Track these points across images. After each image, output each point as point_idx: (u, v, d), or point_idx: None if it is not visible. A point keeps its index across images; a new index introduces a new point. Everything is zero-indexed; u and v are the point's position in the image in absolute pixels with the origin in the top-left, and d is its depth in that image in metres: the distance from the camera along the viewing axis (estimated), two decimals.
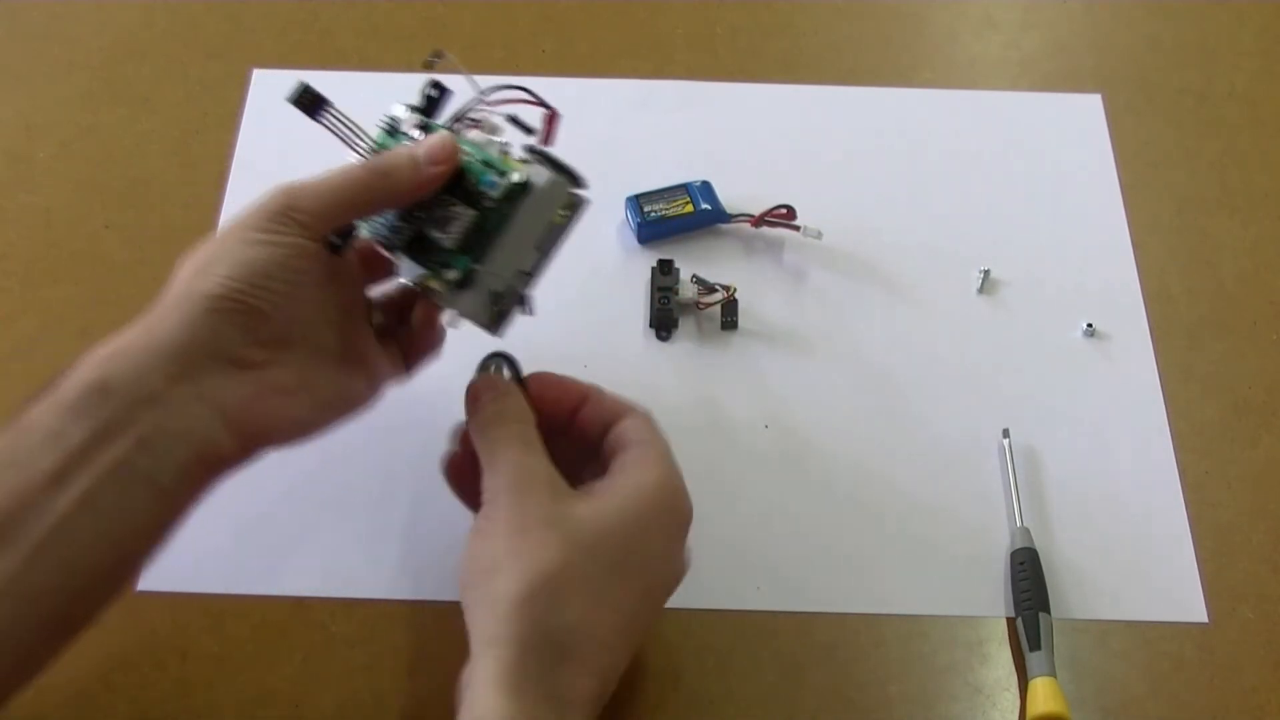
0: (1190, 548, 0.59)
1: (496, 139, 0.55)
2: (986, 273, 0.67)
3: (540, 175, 0.53)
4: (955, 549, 0.59)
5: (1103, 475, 0.61)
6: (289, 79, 0.75)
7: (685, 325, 0.65)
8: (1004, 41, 0.79)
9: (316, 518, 0.59)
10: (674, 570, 0.50)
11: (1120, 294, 0.67)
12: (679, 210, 0.68)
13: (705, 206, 0.68)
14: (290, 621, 0.56)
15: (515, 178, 0.52)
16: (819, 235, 0.67)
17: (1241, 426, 0.63)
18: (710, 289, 0.65)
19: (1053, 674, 0.55)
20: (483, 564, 0.47)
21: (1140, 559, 0.59)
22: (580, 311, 0.65)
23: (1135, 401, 0.64)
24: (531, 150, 0.54)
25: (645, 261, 0.67)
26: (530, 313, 0.54)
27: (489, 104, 0.56)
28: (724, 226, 0.69)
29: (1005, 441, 0.61)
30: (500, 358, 0.55)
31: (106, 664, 0.54)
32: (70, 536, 0.44)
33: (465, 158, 0.53)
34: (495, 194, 0.52)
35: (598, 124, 0.73)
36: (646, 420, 0.52)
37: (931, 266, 0.68)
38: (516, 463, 0.49)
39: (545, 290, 0.67)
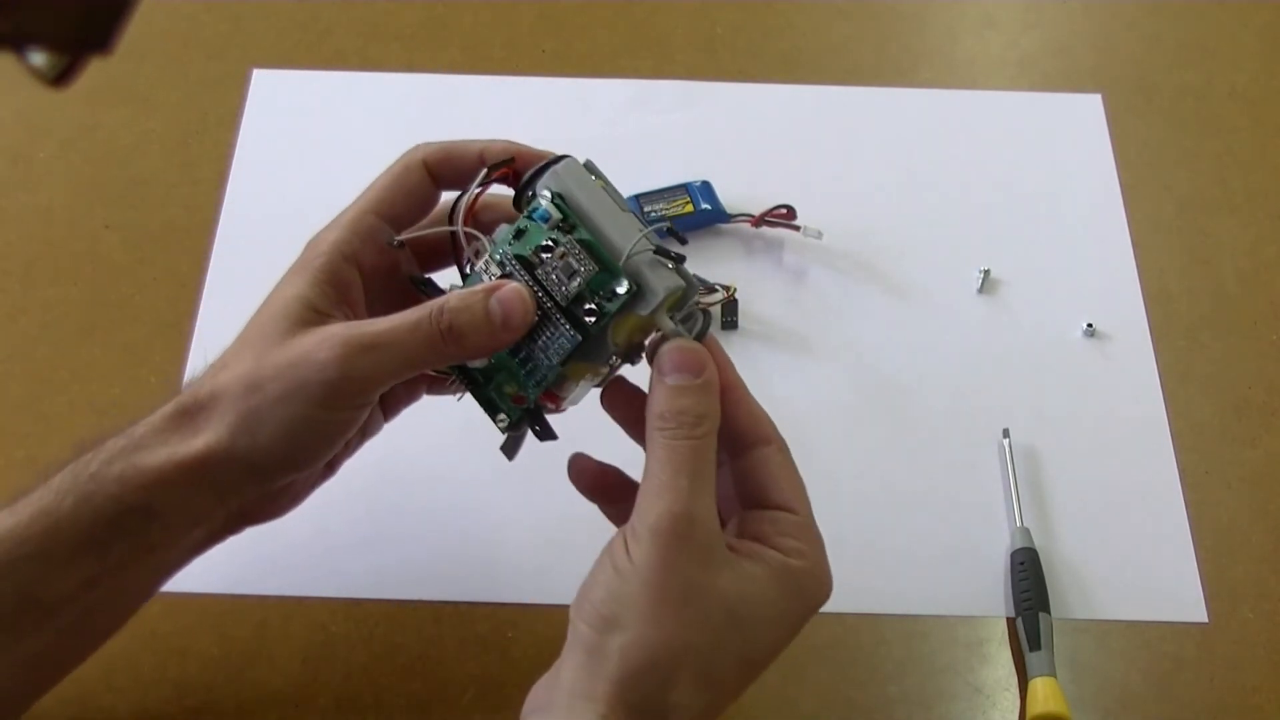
0: (1190, 548, 0.59)
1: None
2: (986, 273, 0.67)
3: (666, 280, 0.46)
4: (955, 549, 0.59)
5: (1103, 475, 0.61)
6: (289, 79, 0.76)
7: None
8: (1004, 41, 0.79)
9: (317, 518, 0.59)
10: (778, 654, 0.45)
11: (1120, 294, 0.67)
12: (679, 210, 0.68)
13: (705, 206, 0.68)
14: (290, 621, 0.56)
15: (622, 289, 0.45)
16: (819, 235, 0.67)
17: (1241, 426, 0.63)
18: (710, 289, 0.65)
19: (1053, 674, 0.55)
20: (608, 606, 0.43)
21: (1140, 559, 0.59)
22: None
23: (1135, 401, 0.64)
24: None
25: None
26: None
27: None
28: (724, 226, 0.69)
29: (1005, 441, 0.61)
30: (692, 288, 0.47)
31: (106, 664, 0.54)
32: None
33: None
34: (613, 309, 0.45)
35: (598, 124, 0.73)
36: (790, 460, 0.46)
37: (931, 266, 0.68)
38: (684, 504, 0.43)
39: None
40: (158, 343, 0.64)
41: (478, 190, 0.48)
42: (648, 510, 0.43)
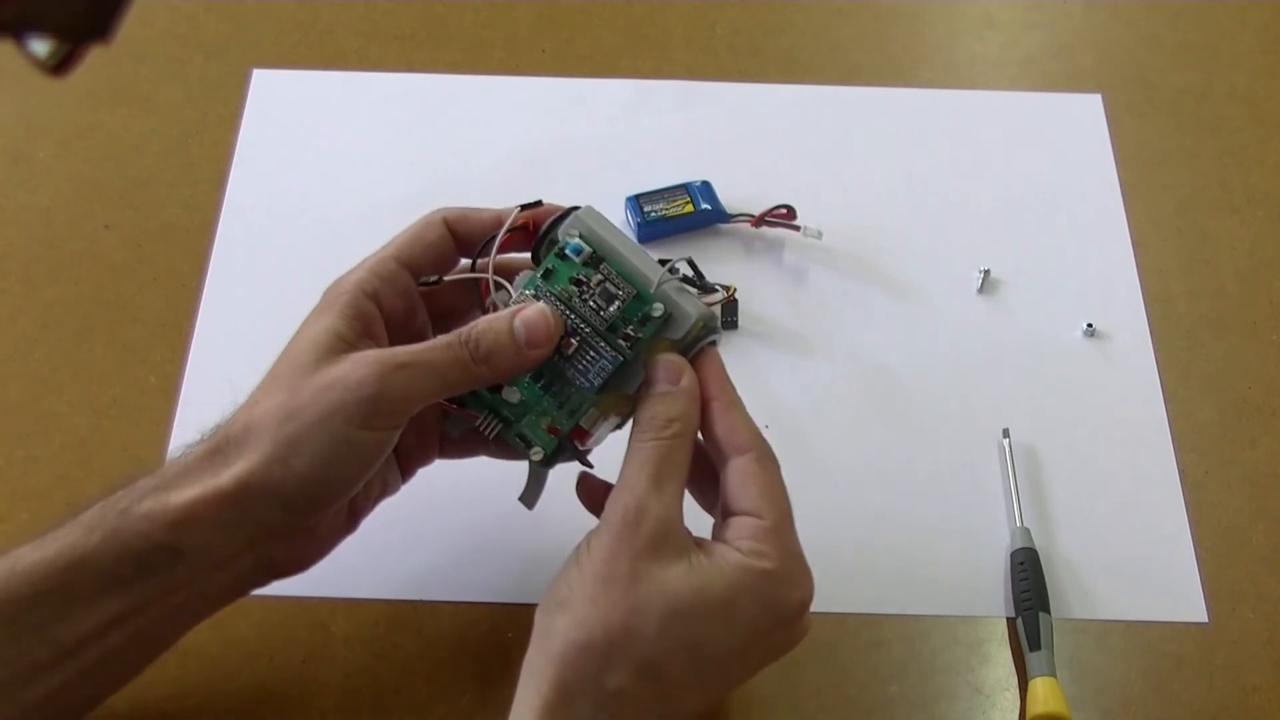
0: (1190, 548, 0.59)
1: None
2: (986, 272, 0.67)
3: (692, 308, 0.48)
4: (955, 549, 0.59)
5: (1103, 475, 0.61)
6: (289, 79, 0.76)
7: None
8: (1004, 41, 0.79)
9: None
10: (747, 666, 0.47)
11: (1120, 294, 0.67)
12: (679, 210, 0.68)
13: (705, 206, 0.68)
14: (290, 621, 0.56)
15: (657, 311, 0.48)
16: (819, 235, 0.67)
17: (1241, 426, 0.63)
18: (710, 289, 0.65)
19: (1053, 674, 0.55)
20: (560, 591, 0.45)
21: (1140, 559, 0.59)
22: None
23: (1135, 401, 0.64)
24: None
25: None
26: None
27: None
28: (724, 226, 0.69)
29: (1005, 441, 0.61)
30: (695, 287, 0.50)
31: None
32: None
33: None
34: (649, 333, 0.48)
35: (598, 124, 0.73)
36: (767, 469, 0.47)
37: (931, 266, 0.68)
38: (638, 496, 0.45)
39: None
40: (158, 343, 0.64)
41: (506, 234, 0.50)
42: (609, 505, 0.45)
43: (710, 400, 0.48)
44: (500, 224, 0.51)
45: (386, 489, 0.53)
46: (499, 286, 0.50)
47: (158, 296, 0.66)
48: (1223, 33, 0.79)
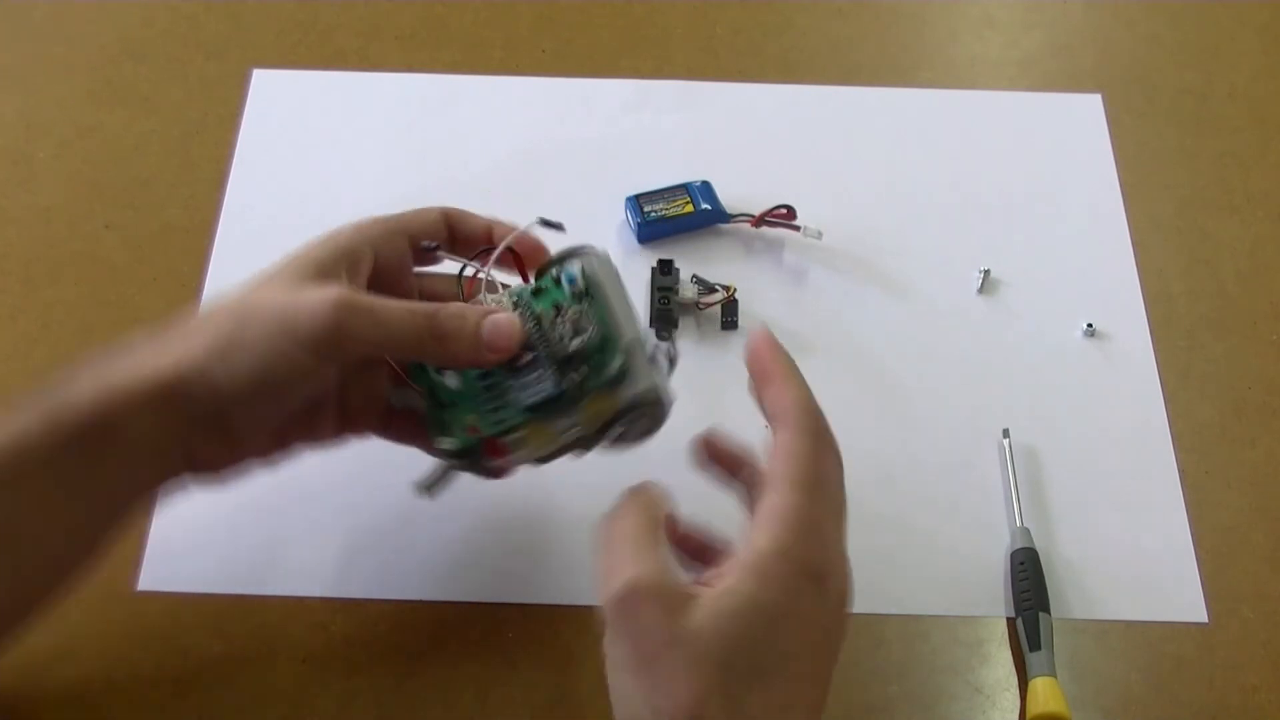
0: (1190, 548, 0.59)
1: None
2: (986, 273, 0.67)
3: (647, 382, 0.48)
4: (955, 549, 0.59)
5: (1103, 475, 0.61)
6: (289, 79, 0.76)
7: (685, 325, 0.65)
8: (1004, 41, 0.79)
9: (316, 518, 0.59)
10: (829, 646, 0.44)
11: (1120, 294, 0.67)
12: (679, 210, 0.68)
13: (705, 206, 0.68)
14: (290, 621, 0.56)
15: (643, 388, 0.48)
16: (819, 235, 0.67)
17: (1241, 426, 0.63)
18: (710, 289, 0.65)
19: (1053, 674, 0.55)
20: (627, 706, 0.42)
21: (1140, 559, 0.59)
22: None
23: (1135, 401, 0.64)
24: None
25: (645, 261, 0.67)
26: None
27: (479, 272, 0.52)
28: (724, 226, 0.69)
29: (1005, 441, 0.61)
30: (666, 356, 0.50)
31: (106, 664, 0.54)
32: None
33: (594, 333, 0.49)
34: (597, 382, 0.48)
35: (598, 124, 0.73)
36: (796, 441, 0.45)
37: (931, 266, 0.68)
38: (627, 578, 0.42)
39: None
40: None
41: (511, 242, 0.52)
42: (603, 593, 0.42)
43: (763, 376, 0.47)
44: (489, 233, 0.53)
45: (315, 432, 0.52)
46: (491, 288, 0.50)
47: (158, 296, 0.66)
48: (1223, 33, 0.79)
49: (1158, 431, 0.63)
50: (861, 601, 0.57)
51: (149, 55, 0.76)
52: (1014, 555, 0.58)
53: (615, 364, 0.48)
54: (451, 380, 0.50)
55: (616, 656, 0.42)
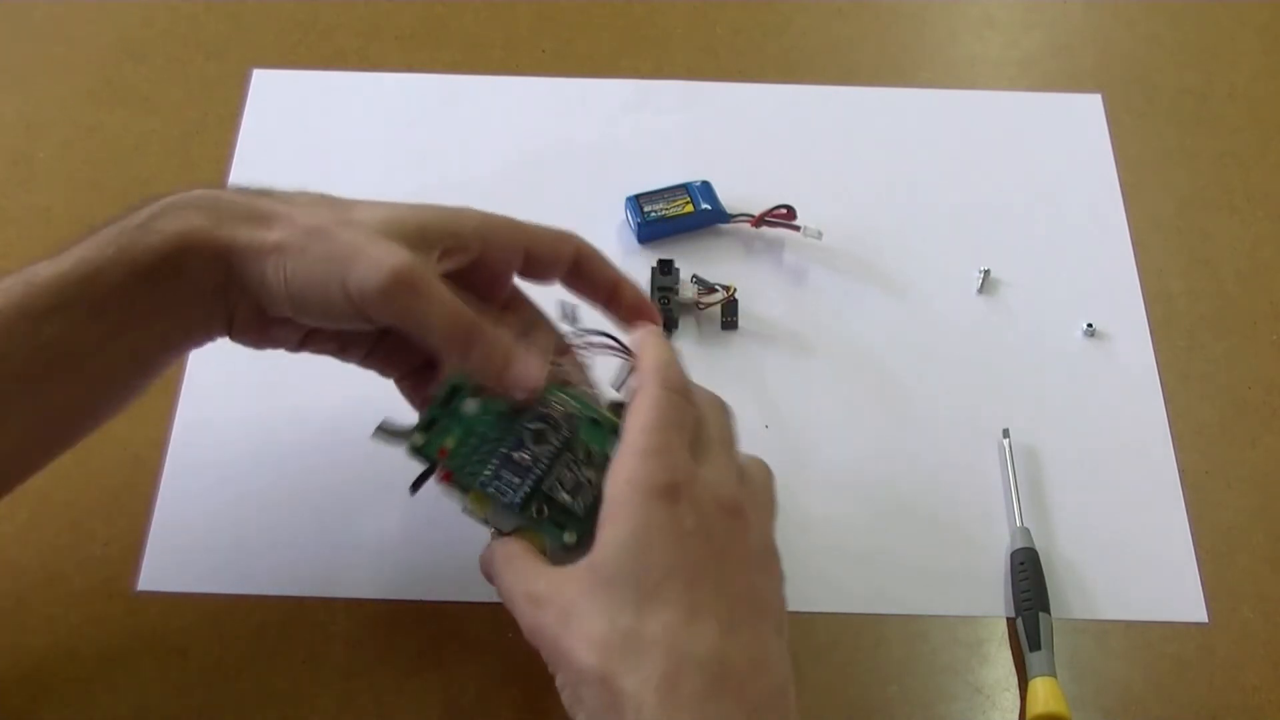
0: (1190, 548, 0.59)
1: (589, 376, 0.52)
2: (987, 273, 0.67)
3: None
4: (955, 549, 0.59)
5: (1103, 475, 0.61)
6: (289, 79, 0.76)
7: (685, 325, 0.65)
8: (1004, 41, 0.79)
9: (316, 518, 0.59)
10: (714, 547, 0.45)
11: (1120, 294, 0.67)
12: (679, 210, 0.68)
13: (705, 206, 0.68)
14: (290, 621, 0.56)
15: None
16: (819, 235, 0.67)
17: (1241, 426, 0.63)
18: (710, 289, 0.65)
19: (1053, 674, 0.55)
20: (573, 713, 0.46)
21: (1140, 559, 0.59)
22: (580, 311, 0.65)
23: (1135, 401, 0.64)
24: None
25: (645, 261, 0.67)
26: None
27: (573, 347, 0.53)
28: (724, 226, 0.69)
29: (1005, 441, 0.61)
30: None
31: (106, 664, 0.54)
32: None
33: (579, 413, 0.49)
34: (539, 529, 0.49)
35: (598, 124, 0.73)
36: (639, 396, 0.47)
37: (931, 266, 0.68)
38: (521, 598, 0.47)
39: (545, 289, 0.67)
40: None
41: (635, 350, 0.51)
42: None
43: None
44: (614, 287, 0.53)
45: (343, 352, 0.54)
46: (567, 380, 0.51)
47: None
48: (1223, 33, 0.79)
49: (1158, 431, 0.63)
50: (861, 601, 0.57)
51: (149, 55, 0.76)
52: (1014, 555, 0.58)
53: (563, 538, 0.48)
54: (471, 405, 0.50)
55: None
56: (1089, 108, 0.75)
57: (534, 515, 0.49)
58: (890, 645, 0.56)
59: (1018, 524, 0.59)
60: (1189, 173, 0.72)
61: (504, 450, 0.49)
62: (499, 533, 0.50)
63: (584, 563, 0.45)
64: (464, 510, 0.50)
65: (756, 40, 0.78)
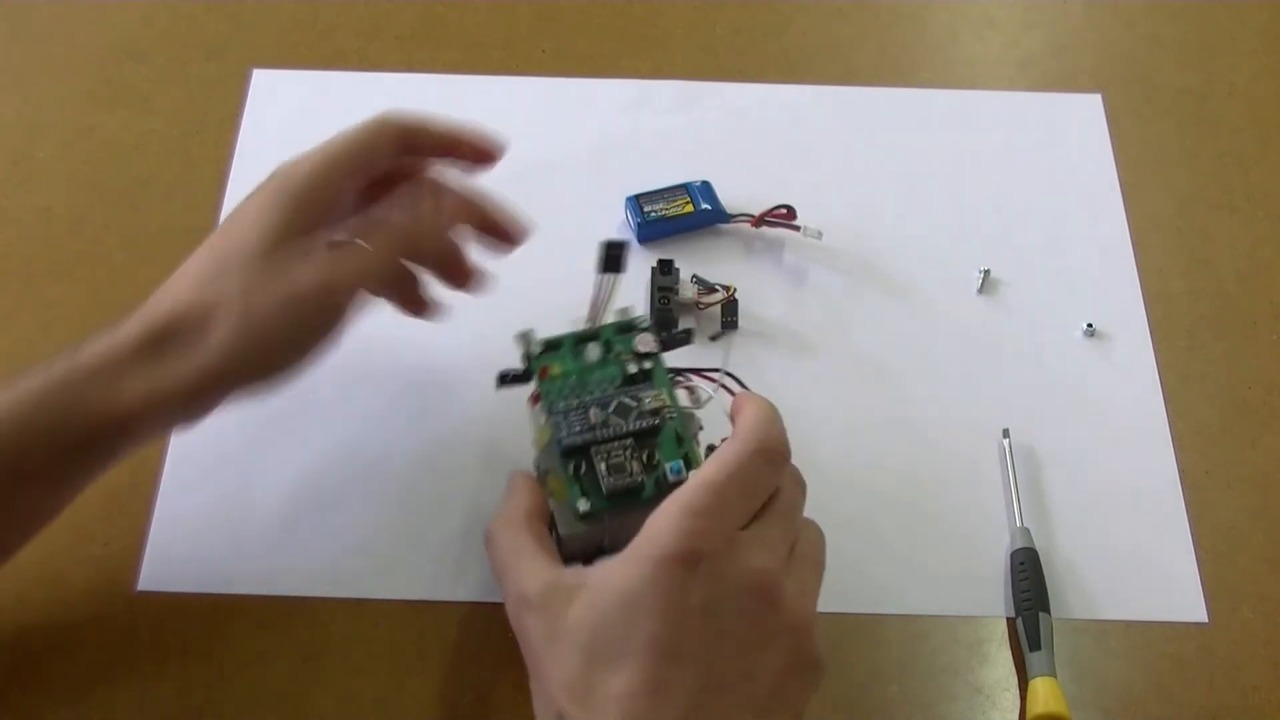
0: (1190, 548, 0.59)
1: (697, 411, 0.54)
2: (986, 273, 0.67)
3: None
4: (955, 549, 0.59)
5: (1103, 475, 0.61)
6: (289, 79, 0.76)
7: (685, 325, 0.65)
8: (1004, 41, 0.79)
9: (316, 518, 0.59)
10: (712, 630, 0.43)
11: (1120, 294, 0.67)
12: (679, 210, 0.68)
13: (705, 206, 0.68)
14: (290, 621, 0.56)
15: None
16: (819, 235, 0.67)
17: (1241, 426, 0.63)
18: (710, 289, 0.65)
19: (1053, 674, 0.55)
20: (537, 709, 0.46)
21: (1140, 559, 0.59)
22: (581, 310, 0.65)
23: (1135, 401, 0.64)
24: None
25: (645, 261, 0.67)
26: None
27: (705, 375, 0.54)
28: (724, 226, 0.69)
29: (1005, 441, 0.61)
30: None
31: (106, 664, 0.54)
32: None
33: (669, 419, 0.52)
34: (666, 483, 0.50)
35: (598, 124, 0.73)
36: (721, 449, 0.47)
37: (932, 266, 0.68)
38: (514, 594, 0.47)
39: (547, 289, 0.67)
40: None
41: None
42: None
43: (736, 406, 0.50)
44: (452, 143, 0.55)
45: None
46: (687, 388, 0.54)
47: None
48: (1223, 33, 0.79)
49: (1158, 431, 0.63)
50: (861, 601, 0.57)
51: (149, 55, 0.76)
52: (1014, 555, 0.58)
53: (578, 504, 0.49)
54: (594, 351, 0.53)
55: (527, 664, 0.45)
56: (1089, 108, 0.75)
57: (570, 469, 0.50)
58: (890, 645, 0.56)
59: (1018, 524, 0.59)
60: (1189, 173, 0.72)
61: (588, 400, 0.51)
62: (537, 469, 0.52)
63: (584, 587, 0.44)
64: (533, 441, 0.52)
65: (756, 40, 0.78)
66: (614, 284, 0.53)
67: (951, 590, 0.58)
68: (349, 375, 0.57)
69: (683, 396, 0.54)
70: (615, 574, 0.43)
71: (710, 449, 0.52)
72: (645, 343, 0.54)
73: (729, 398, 0.53)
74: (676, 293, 0.65)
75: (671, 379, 0.54)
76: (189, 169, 0.71)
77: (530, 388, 0.53)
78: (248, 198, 0.52)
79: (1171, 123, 0.75)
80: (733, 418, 0.49)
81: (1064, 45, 0.79)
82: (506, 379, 0.54)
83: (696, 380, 0.55)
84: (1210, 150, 0.73)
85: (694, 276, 0.66)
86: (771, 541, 0.45)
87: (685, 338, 0.56)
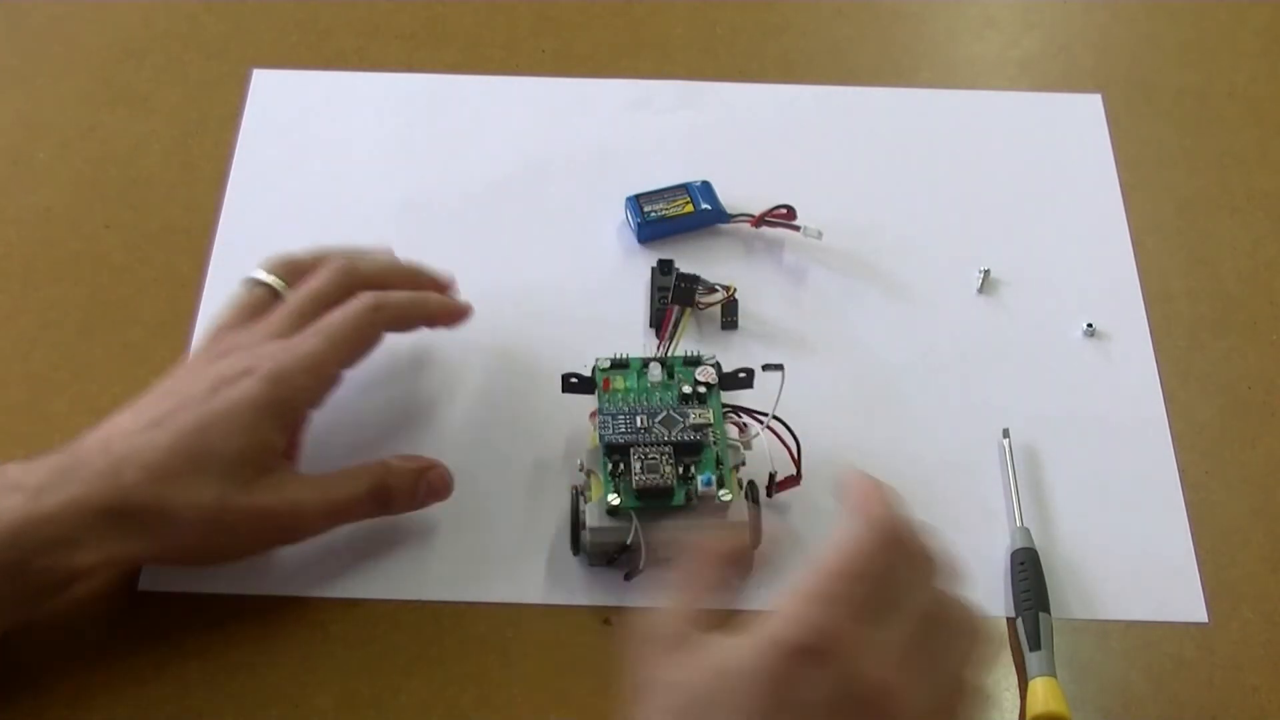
0: (1190, 548, 0.59)
1: (744, 448, 0.57)
2: (986, 272, 0.67)
3: (740, 514, 0.54)
4: (956, 549, 0.58)
5: (1103, 475, 0.61)
6: (289, 79, 0.76)
7: (686, 324, 0.65)
8: (1004, 41, 0.79)
9: None
10: None
11: (1120, 294, 0.67)
12: (679, 210, 0.68)
13: (705, 206, 0.68)
14: (290, 621, 0.56)
15: (723, 496, 0.54)
16: (819, 235, 0.67)
17: (1241, 426, 0.63)
18: (710, 289, 0.65)
19: (1053, 674, 0.55)
20: None
21: (1140, 559, 0.59)
22: (580, 311, 0.65)
23: (1135, 401, 0.64)
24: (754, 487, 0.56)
25: (645, 261, 0.67)
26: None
27: (754, 415, 0.58)
28: (724, 226, 0.69)
29: (1005, 442, 0.61)
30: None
31: (106, 664, 0.54)
32: None
33: (714, 441, 0.55)
34: (695, 494, 0.54)
35: (598, 124, 0.73)
36: (846, 532, 0.43)
37: (932, 266, 0.68)
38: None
39: (546, 288, 0.67)
40: (158, 343, 0.64)
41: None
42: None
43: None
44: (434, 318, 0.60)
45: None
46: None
47: (158, 296, 0.66)
48: (1223, 33, 0.79)
49: (1158, 431, 0.63)
50: None
51: (149, 55, 0.76)
52: (1014, 555, 0.58)
53: (608, 495, 0.54)
54: (655, 373, 0.58)
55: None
56: (1089, 108, 0.75)
57: (608, 466, 0.54)
58: None
59: (1018, 524, 0.59)
60: (1189, 173, 0.72)
61: (640, 410, 0.55)
62: (580, 466, 0.56)
63: (705, 646, 0.42)
64: (588, 449, 0.56)
65: (756, 40, 0.78)
66: (685, 316, 0.60)
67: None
68: (348, 375, 0.57)
69: (733, 431, 0.57)
70: (731, 644, 0.41)
71: (751, 485, 0.55)
72: (706, 374, 0.57)
73: (771, 437, 0.56)
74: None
75: (725, 413, 0.56)
76: (189, 169, 0.71)
77: (592, 402, 0.57)
78: (239, 389, 0.53)
79: (1171, 123, 0.75)
80: (843, 499, 0.46)
81: (1064, 45, 0.79)
82: (569, 382, 0.57)
83: (748, 420, 0.57)
84: (1210, 150, 0.73)
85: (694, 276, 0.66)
86: (889, 642, 0.41)
87: (747, 380, 0.58)
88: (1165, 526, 0.60)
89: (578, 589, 0.56)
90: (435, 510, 0.58)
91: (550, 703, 0.54)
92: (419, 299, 0.59)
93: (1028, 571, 0.57)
